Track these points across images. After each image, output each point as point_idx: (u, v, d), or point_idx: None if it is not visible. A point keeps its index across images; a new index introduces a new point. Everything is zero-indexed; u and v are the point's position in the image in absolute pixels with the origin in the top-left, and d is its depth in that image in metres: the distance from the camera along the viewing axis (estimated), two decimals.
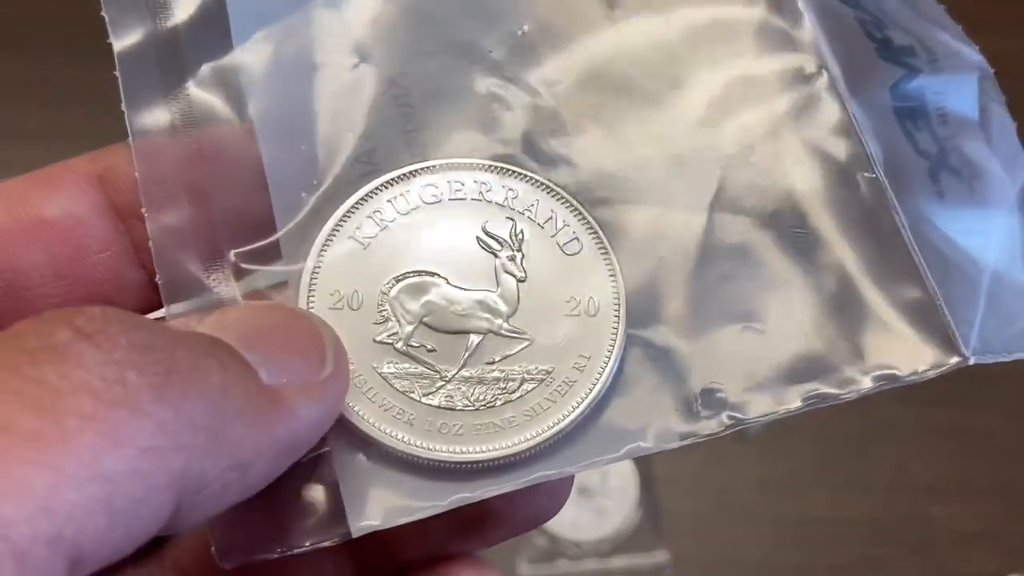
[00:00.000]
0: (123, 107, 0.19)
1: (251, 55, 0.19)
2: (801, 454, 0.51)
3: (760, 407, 0.18)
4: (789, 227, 0.19)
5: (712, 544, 0.50)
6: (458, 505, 0.17)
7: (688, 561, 0.49)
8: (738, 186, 0.19)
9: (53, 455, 0.12)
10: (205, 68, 0.19)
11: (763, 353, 0.18)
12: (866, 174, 0.19)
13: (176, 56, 0.19)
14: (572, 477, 0.18)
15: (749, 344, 0.18)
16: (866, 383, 0.18)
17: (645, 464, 0.51)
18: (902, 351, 0.18)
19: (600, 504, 0.50)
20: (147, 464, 0.13)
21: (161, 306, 0.18)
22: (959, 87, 0.20)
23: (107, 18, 0.19)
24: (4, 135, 0.47)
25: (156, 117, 0.19)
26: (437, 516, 0.17)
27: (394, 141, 0.19)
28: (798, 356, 0.18)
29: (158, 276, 0.18)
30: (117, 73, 0.19)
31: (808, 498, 0.50)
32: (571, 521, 0.50)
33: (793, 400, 0.18)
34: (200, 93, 0.19)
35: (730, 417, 0.18)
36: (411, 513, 0.17)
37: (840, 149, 0.19)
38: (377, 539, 0.17)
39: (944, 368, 0.18)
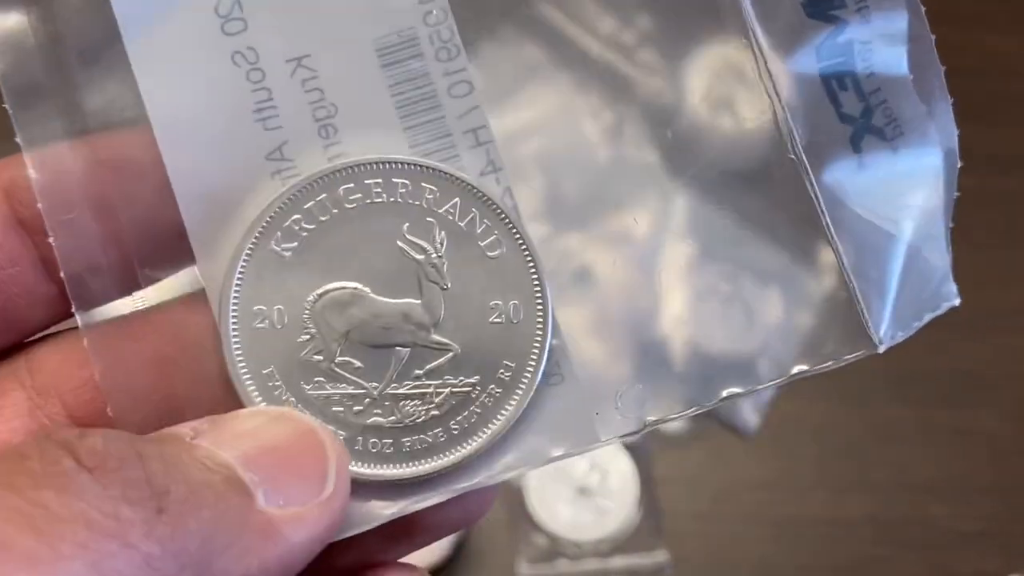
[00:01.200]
0: (12, 120, 0.18)
1: (143, 48, 0.18)
2: (801, 454, 0.51)
3: (675, 406, 0.18)
4: (713, 216, 0.19)
5: (712, 544, 0.50)
6: (389, 520, 0.18)
7: (688, 561, 0.49)
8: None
9: None
10: (95, 69, 0.18)
11: (680, 352, 0.19)
12: (788, 155, 0.19)
13: (62, 57, 0.18)
14: (498, 486, 0.19)
15: (667, 345, 0.19)
16: (769, 376, 0.19)
17: (645, 464, 0.51)
18: (810, 342, 0.19)
19: (600, 504, 0.50)
20: None
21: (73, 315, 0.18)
22: (888, 31, 0.19)
23: None
24: None
25: (48, 128, 0.18)
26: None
27: (306, 131, 0.18)
28: (713, 356, 0.19)
29: (69, 295, 0.18)
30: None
31: (808, 498, 0.50)
32: (571, 521, 0.50)
33: (708, 399, 0.19)
34: (93, 97, 0.18)
35: (649, 418, 0.18)
36: (345, 531, 0.17)
37: (762, 129, 0.19)
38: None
39: (853, 358, 0.18)
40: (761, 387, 0.19)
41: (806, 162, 0.18)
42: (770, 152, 0.19)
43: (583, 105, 0.21)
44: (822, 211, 0.19)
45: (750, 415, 0.52)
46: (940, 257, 0.19)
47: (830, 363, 0.19)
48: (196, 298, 0.18)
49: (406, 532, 0.19)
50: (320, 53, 0.18)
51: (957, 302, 0.19)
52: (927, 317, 0.18)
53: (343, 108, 0.18)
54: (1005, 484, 0.51)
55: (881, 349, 0.18)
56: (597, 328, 0.19)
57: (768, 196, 0.19)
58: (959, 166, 0.18)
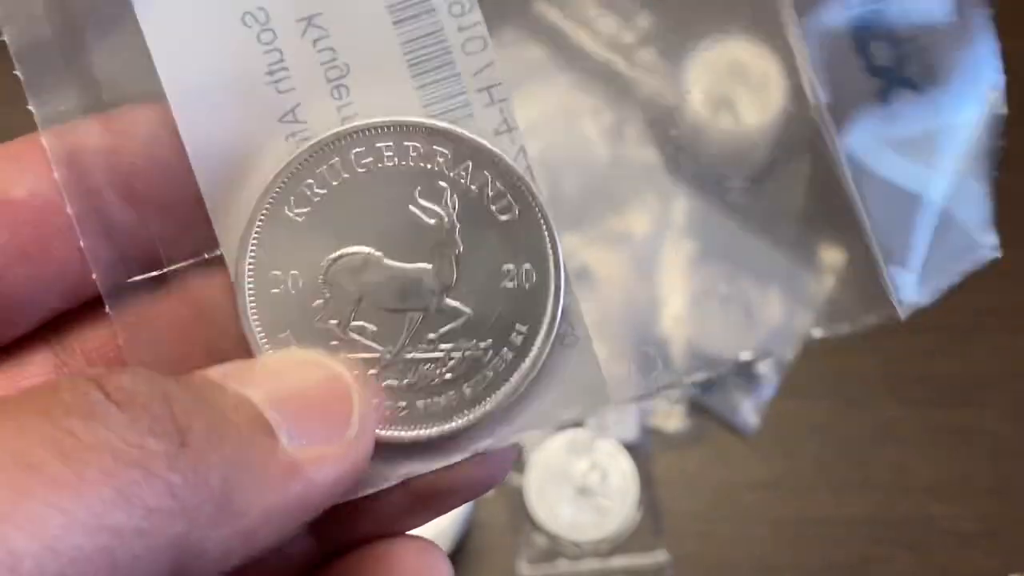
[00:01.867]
0: (29, 106, 0.18)
1: (153, 15, 0.18)
2: (801, 454, 0.51)
3: (695, 369, 0.19)
4: (732, 183, 0.19)
5: (712, 544, 0.50)
6: (406, 478, 0.18)
7: (688, 561, 0.49)
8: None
9: (69, 502, 0.13)
10: (107, 39, 0.18)
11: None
12: (809, 115, 0.18)
13: (77, 38, 0.18)
14: (515, 449, 0.19)
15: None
16: (804, 336, 0.18)
17: (645, 464, 0.51)
18: (841, 306, 0.18)
19: (600, 504, 0.50)
20: (151, 524, 0.14)
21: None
22: None
23: None
24: None
25: (63, 100, 0.18)
26: (391, 491, 0.18)
27: (319, 92, 0.18)
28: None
29: (95, 275, 0.18)
30: (17, 72, 0.18)
31: (808, 498, 0.50)
32: (571, 521, 0.50)
33: (735, 353, 0.19)
34: (106, 67, 0.18)
35: (666, 377, 0.19)
36: (363, 489, 0.18)
37: (781, 88, 0.19)
38: (337, 516, 0.18)
39: (878, 322, 0.18)
40: (773, 353, 0.18)
41: (829, 121, 0.18)
42: (789, 121, 0.18)
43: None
44: (844, 174, 0.18)
45: (750, 415, 0.52)
46: (977, 212, 0.18)
47: (846, 324, 0.18)
48: (212, 263, 0.18)
49: (423, 501, 0.19)
50: (331, 11, 0.18)
51: (998, 254, 0.17)
52: (959, 276, 0.18)
53: (355, 67, 0.18)
54: (1005, 484, 0.51)
55: (903, 315, 0.17)
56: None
57: (782, 172, 0.18)
58: (1004, 114, 0.17)
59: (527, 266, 0.18)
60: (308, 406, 0.16)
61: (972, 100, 0.17)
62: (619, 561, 0.49)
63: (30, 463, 0.13)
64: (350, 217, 0.18)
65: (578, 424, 0.51)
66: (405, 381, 0.18)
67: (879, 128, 0.17)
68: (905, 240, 0.17)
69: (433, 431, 0.18)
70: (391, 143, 0.18)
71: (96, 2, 0.18)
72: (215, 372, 0.16)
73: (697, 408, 0.52)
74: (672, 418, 0.52)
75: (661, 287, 0.23)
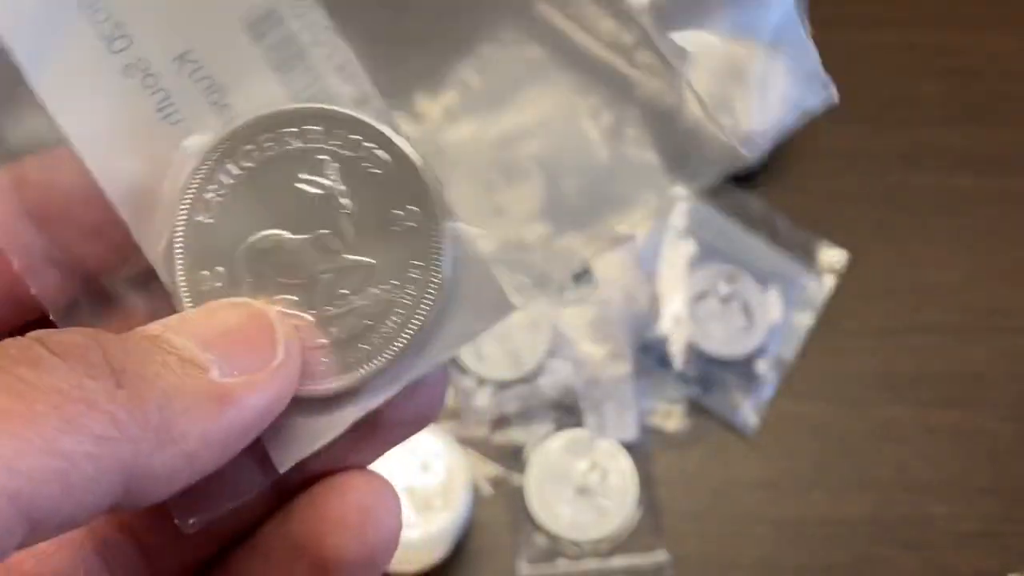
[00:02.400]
0: None
1: (47, 82, 0.20)
2: (801, 454, 0.51)
3: (565, 269, 0.21)
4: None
5: (711, 543, 0.50)
6: (353, 423, 0.20)
7: (687, 560, 0.49)
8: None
9: (21, 429, 0.15)
10: (18, 114, 0.20)
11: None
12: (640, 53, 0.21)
13: None
14: (446, 379, 0.21)
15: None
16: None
17: (645, 464, 0.51)
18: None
19: (600, 504, 0.50)
20: (99, 449, 0.15)
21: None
22: None
23: None
24: None
25: None
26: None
27: (205, 115, 0.20)
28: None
29: (45, 305, 0.20)
30: None
31: (808, 498, 0.50)
32: (571, 521, 0.50)
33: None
34: (14, 132, 0.20)
35: (554, 276, 0.21)
36: (321, 438, 0.20)
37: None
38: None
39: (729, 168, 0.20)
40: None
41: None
42: None
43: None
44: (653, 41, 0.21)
45: (750, 415, 0.52)
46: (807, 60, 0.20)
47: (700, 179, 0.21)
48: (148, 278, 0.20)
49: (369, 435, 0.21)
50: (199, 45, 0.20)
51: (835, 101, 0.20)
52: (800, 115, 0.20)
53: (231, 86, 0.20)
54: (1004, 484, 0.51)
55: (750, 157, 0.20)
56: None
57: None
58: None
59: (411, 207, 0.20)
60: (234, 341, 0.18)
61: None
62: (619, 561, 0.49)
63: None
64: (251, 208, 0.20)
65: (571, 411, 0.51)
66: (332, 336, 0.20)
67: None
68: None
69: (368, 372, 0.20)
70: (270, 134, 0.20)
71: None
72: (149, 327, 0.18)
73: (697, 408, 0.52)
74: (672, 418, 0.52)
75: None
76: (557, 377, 0.52)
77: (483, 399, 0.51)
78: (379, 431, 0.21)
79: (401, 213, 0.20)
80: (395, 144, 0.20)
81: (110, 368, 0.16)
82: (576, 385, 0.51)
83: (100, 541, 0.21)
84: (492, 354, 0.51)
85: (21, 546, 0.15)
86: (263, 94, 0.20)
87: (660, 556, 0.49)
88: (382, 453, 0.21)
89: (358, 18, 0.21)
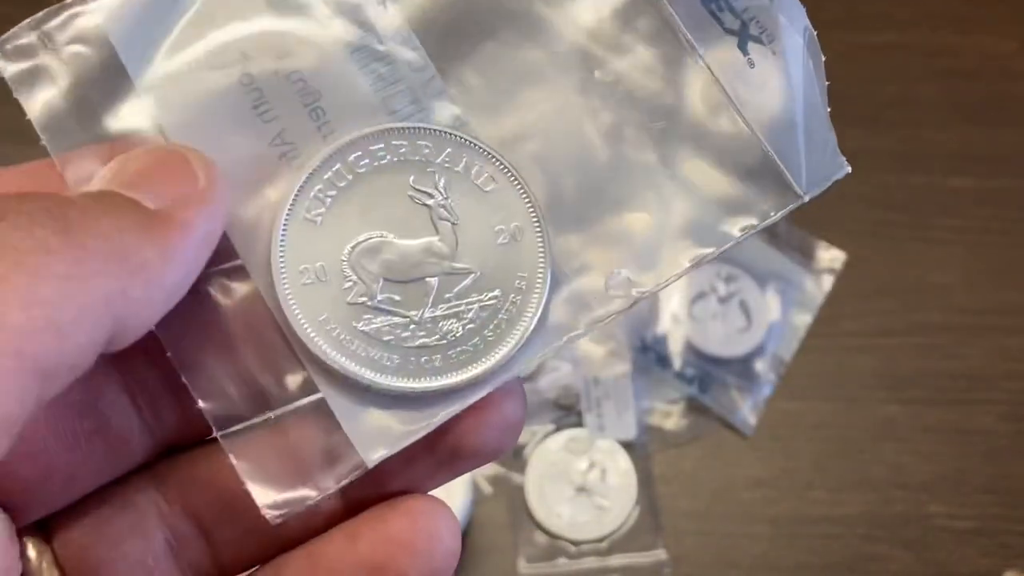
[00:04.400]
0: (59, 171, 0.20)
1: (149, 85, 0.21)
2: (799, 453, 0.52)
3: (657, 277, 0.22)
4: (649, 123, 0.22)
5: (710, 542, 0.50)
6: (446, 419, 0.21)
7: (686, 559, 0.49)
8: (597, 100, 0.22)
9: None
10: (115, 112, 0.21)
11: (649, 236, 0.22)
12: (695, 63, 0.23)
13: (91, 110, 0.21)
14: (524, 411, 0.22)
15: (637, 231, 0.22)
16: (735, 234, 0.22)
17: (644, 463, 0.51)
18: (754, 205, 0.22)
19: (599, 503, 0.50)
20: (72, 288, 0.16)
21: None
22: None
23: (19, 98, 0.21)
24: None
25: (89, 168, 0.20)
26: (415, 455, 0.21)
27: (298, 116, 0.21)
28: (677, 231, 0.22)
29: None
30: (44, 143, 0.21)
31: (806, 496, 0.51)
32: (570, 520, 0.50)
33: (682, 264, 0.22)
34: (119, 131, 0.21)
35: (636, 292, 0.22)
36: (412, 436, 0.20)
37: (668, 48, 0.23)
38: (365, 479, 0.20)
39: (788, 209, 0.22)
40: (720, 249, 0.22)
41: (710, 66, 0.22)
42: (682, 61, 0.23)
43: (583, 105, 0.22)
44: (731, 101, 0.22)
45: (748, 414, 0.52)
46: (828, 133, 0.22)
47: (773, 214, 0.22)
48: (234, 277, 0.21)
49: (450, 458, 0.21)
50: (302, 65, 0.22)
51: (849, 169, 0.23)
52: (830, 182, 0.22)
53: (325, 92, 0.22)
54: (1002, 483, 0.51)
55: (807, 198, 0.22)
56: (585, 229, 0.22)
57: (689, 100, 0.23)
58: (823, 60, 0.22)
59: (515, 224, 0.22)
60: (155, 176, 0.19)
61: (799, 53, 0.22)
62: (618, 559, 0.50)
63: None
64: (359, 210, 0.21)
65: (571, 411, 0.51)
66: (435, 337, 0.21)
67: (746, 69, 0.22)
68: (791, 150, 0.22)
69: (469, 374, 0.21)
70: (382, 145, 0.22)
71: (101, 80, 0.21)
72: (74, 190, 0.19)
73: (696, 407, 0.52)
74: (671, 417, 0.52)
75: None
76: (557, 377, 0.52)
77: None
78: (458, 457, 0.21)
79: (504, 227, 0.22)
80: (503, 168, 0.22)
81: (51, 217, 0.17)
82: (576, 385, 0.51)
83: (171, 533, 0.22)
84: None
85: (40, 402, 0.16)
86: (361, 108, 0.22)
87: (659, 555, 0.49)
88: (448, 480, 0.22)
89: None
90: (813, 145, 0.22)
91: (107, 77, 0.21)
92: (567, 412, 0.52)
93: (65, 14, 0.21)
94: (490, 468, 0.51)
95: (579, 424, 0.51)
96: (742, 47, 0.22)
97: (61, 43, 0.21)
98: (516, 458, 0.51)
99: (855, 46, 0.60)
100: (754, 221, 0.22)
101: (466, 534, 0.49)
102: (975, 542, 0.50)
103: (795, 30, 0.22)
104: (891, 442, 0.52)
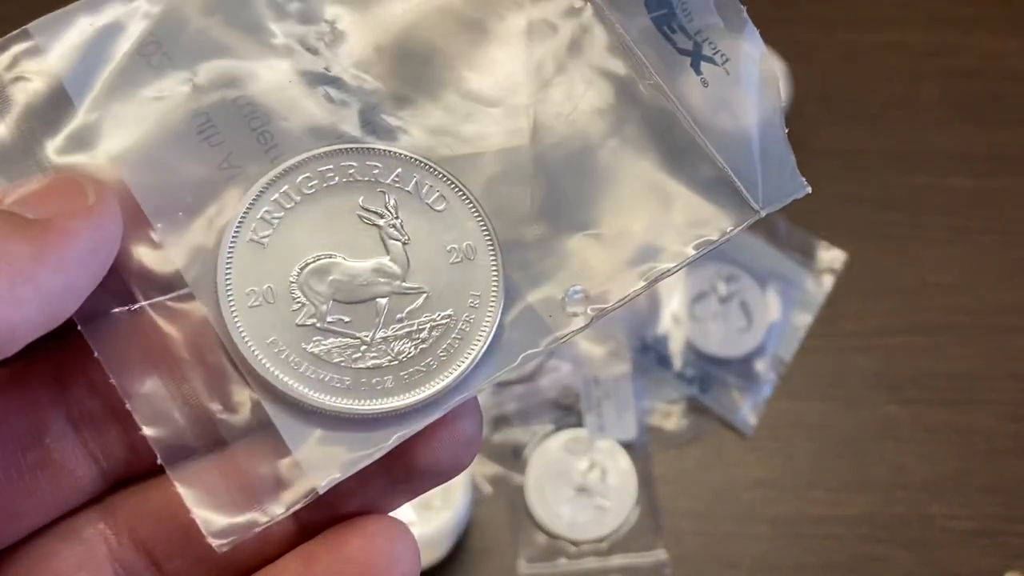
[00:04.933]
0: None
1: (94, 113, 0.21)
2: (799, 453, 0.51)
3: (614, 295, 0.21)
4: (601, 141, 0.22)
5: (710, 543, 0.50)
6: (400, 442, 0.20)
7: (686, 560, 0.49)
8: (549, 119, 0.23)
9: None
10: (60, 139, 0.21)
11: (606, 251, 0.22)
12: (647, 81, 0.23)
13: (36, 140, 0.21)
14: (480, 428, 0.21)
15: (593, 247, 0.22)
16: (689, 252, 0.22)
17: (644, 463, 0.51)
18: (711, 220, 0.22)
19: (599, 503, 0.50)
20: None
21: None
22: None
23: None
24: None
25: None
26: (372, 476, 0.20)
27: (246, 140, 0.21)
28: (633, 247, 0.22)
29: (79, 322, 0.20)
30: None
31: (806, 497, 0.51)
32: (570, 520, 0.50)
33: (638, 282, 0.22)
34: (64, 161, 0.21)
35: (593, 309, 0.21)
36: (365, 460, 0.20)
37: (619, 66, 0.23)
38: (321, 501, 0.20)
39: (744, 224, 0.22)
40: (676, 266, 0.22)
41: (663, 85, 0.23)
42: (633, 81, 0.23)
43: (536, 125, 0.22)
44: (685, 117, 0.22)
45: (749, 414, 0.52)
46: (786, 154, 0.22)
47: (730, 230, 0.22)
48: (180, 300, 0.21)
49: (405, 479, 0.21)
50: (251, 90, 0.22)
51: (809, 190, 0.22)
52: (788, 199, 0.22)
53: (274, 116, 0.22)
54: (1002, 483, 0.51)
55: (763, 213, 0.22)
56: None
57: (641, 118, 0.23)
58: (785, 91, 0.22)
59: (468, 243, 0.21)
60: (44, 195, 0.19)
61: (753, 72, 0.22)
62: (618, 560, 0.49)
63: None
64: (308, 231, 0.21)
65: (571, 411, 0.51)
66: (387, 358, 0.21)
67: (700, 88, 0.22)
68: (748, 168, 0.22)
69: (422, 395, 0.20)
70: (331, 166, 0.21)
71: (45, 110, 0.21)
72: None
73: (696, 407, 0.52)
74: (671, 417, 0.52)
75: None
76: (557, 377, 0.52)
77: (483, 398, 0.51)
78: (413, 477, 0.21)
79: (456, 246, 0.21)
80: (455, 187, 0.22)
81: None
82: (576, 385, 0.51)
83: (120, 566, 0.21)
84: None
85: None
86: (307, 129, 0.22)
87: (659, 555, 0.49)
88: (409, 500, 0.21)
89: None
90: (770, 163, 0.22)
91: (52, 107, 0.21)
92: (567, 412, 0.52)
93: (11, 48, 0.21)
94: (490, 468, 0.51)
95: (579, 424, 0.51)
96: (695, 66, 0.22)
97: (4, 75, 0.21)
98: (516, 458, 0.51)
99: (855, 46, 0.60)
100: (713, 237, 0.22)
101: (466, 534, 0.49)
102: (976, 542, 0.50)
103: (750, 52, 0.22)
104: (891, 442, 0.52)
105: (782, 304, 0.54)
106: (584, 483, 0.50)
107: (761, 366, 0.53)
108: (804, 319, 0.54)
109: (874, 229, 0.56)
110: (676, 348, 0.52)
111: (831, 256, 0.55)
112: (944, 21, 0.61)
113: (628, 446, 0.51)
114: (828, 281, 0.55)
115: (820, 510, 0.50)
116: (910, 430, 0.52)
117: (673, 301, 0.53)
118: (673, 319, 0.53)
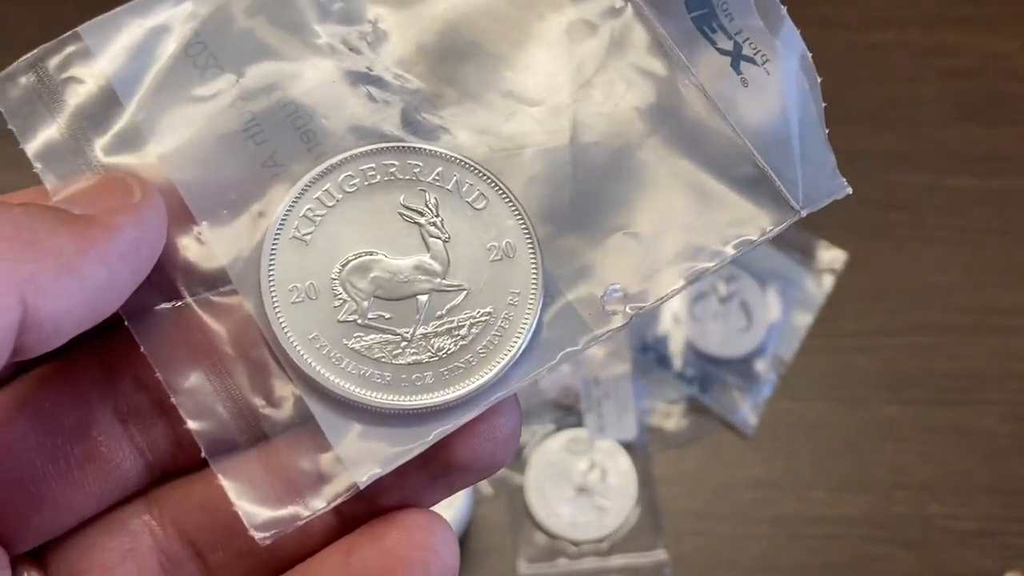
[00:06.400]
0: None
1: (142, 112, 0.21)
2: (799, 453, 0.51)
3: (653, 294, 0.22)
4: (641, 140, 0.23)
5: (710, 543, 0.50)
6: (439, 438, 0.20)
7: (687, 560, 0.49)
8: (589, 118, 0.23)
9: None
10: (109, 138, 0.21)
11: (645, 250, 0.22)
12: (687, 81, 0.23)
13: (85, 139, 0.21)
14: (519, 425, 0.21)
15: (632, 246, 0.22)
16: (729, 251, 0.22)
17: (644, 463, 0.51)
18: (751, 220, 0.22)
19: (599, 503, 0.50)
20: None
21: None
22: None
23: (14, 129, 0.21)
24: None
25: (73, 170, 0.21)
26: (409, 471, 0.20)
27: (290, 139, 0.22)
28: (672, 246, 0.22)
29: (125, 318, 0.21)
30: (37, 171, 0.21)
31: (806, 497, 0.51)
32: (570, 520, 0.50)
33: (677, 281, 0.22)
34: (112, 160, 0.21)
35: (632, 308, 0.21)
36: (404, 455, 0.20)
37: (659, 66, 0.23)
38: (361, 495, 0.20)
39: (785, 224, 0.22)
40: (715, 265, 0.22)
41: (703, 84, 0.23)
42: (673, 80, 0.23)
43: (577, 122, 0.22)
44: (725, 117, 0.22)
45: (749, 414, 0.52)
46: (826, 154, 0.22)
47: (770, 229, 0.22)
48: (224, 296, 0.21)
49: (444, 473, 0.21)
50: (288, 80, 0.22)
51: (850, 191, 0.22)
52: (828, 199, 0.22)
53: (317, 114, 0.22)
54: (1002, 483, 0.51)
55: (803, 213, 0.22)
56: (579, 245, 0.22)
57: (682, 117, 0.23)
58: (820, 80, 0.22)
59: (508, 241, 0.22)
60: (91, 193, 0.20)
61: (793, 74, 0.22)
62: (618, 560, 0.50)
63: None
64: (350, 228, 0.21)
65: (571, 411, 0.51)
66: (427, 355, 0.21)
67: (740, 88, 0.22)
68: (789, 169, 0.22)
69: (458, 393, 0.21)
70: (372, 164, 0.22)
71: (95, 108, 0.21)
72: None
73: (696, 407, 0.52)
74: (671, 417, 0.52)
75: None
76: (557, 377, 0.52)
77: None
78: (452, 472, 0.21)
79: (496, 244, 0.22)
80: (495, 186, 0.22)
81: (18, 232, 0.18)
82: (576, 385, 0.51)
83: (165, 557, 0.21)
84: None
85: None
86: (350, 127, 0.22)
87: (659, 555, 0.49)
88: (448, 495, 0.22)
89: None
90: (810, 162, 0.22)
91: (101, 107, 0.21)
92: (567, 412, 0.52)
93: (63, 50, 0.21)
94: None
95: (579, 424, 0.51)
96: (735, 66, 0.22)
97: (56, 76, 0.21)
98: (516, 458, 0.51)
99: (855, 46, 0.60)
100: (752, 236, 0.22)
101: (466, 534, 0.49)
102: (976, 542, 0.50)
103: (790, 52, 0.22)
104: (891, 442, 0.52)
105: (782, 304, 0.54)
106: (584, 483, 0.50)
107: (761, 366, 0.53)
108: (804, 319, 0.54)
109: (874, 229, 0.56)
110: (676, 348, 0.52)
111: (831, 256, 0.55)
112: (944, 21, 0.61)
113: (628, 446, 0.51)
114: (828, 281, 0.55)
115: (820, 510, 0.50)
116: (910, 430, 0.52)
117: (673, 301, 0.53)
118: (673, 319, 0.53)
